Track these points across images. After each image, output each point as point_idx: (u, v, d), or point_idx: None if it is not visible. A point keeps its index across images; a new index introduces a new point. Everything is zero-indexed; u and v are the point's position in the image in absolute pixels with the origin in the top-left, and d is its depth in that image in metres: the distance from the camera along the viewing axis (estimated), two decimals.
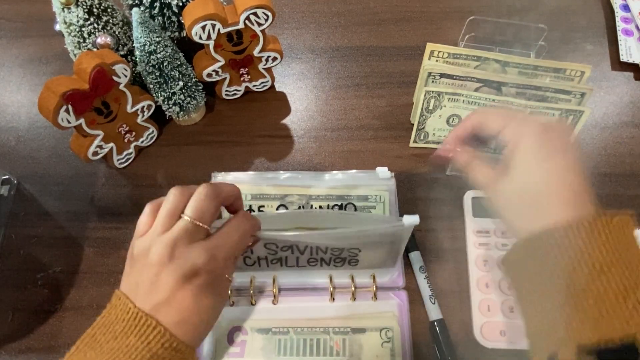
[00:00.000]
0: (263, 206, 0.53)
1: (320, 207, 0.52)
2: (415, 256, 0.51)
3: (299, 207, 0.52)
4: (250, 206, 0.53)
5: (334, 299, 0.49)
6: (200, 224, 0.35)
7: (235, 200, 0.38)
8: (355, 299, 0.49)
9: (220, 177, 0.55)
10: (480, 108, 0.38)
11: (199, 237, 0.35)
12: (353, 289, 0.49)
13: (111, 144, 0.54)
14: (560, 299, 0.28)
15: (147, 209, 0.36)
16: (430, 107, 0.53)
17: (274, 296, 0.48)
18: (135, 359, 0.30)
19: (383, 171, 0.54)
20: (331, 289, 0.48)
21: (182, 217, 0.34)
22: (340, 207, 0.52)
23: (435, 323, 0.47)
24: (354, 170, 0.55)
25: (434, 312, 0.48)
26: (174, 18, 0.56)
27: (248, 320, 0.48)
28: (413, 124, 0.56)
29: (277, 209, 0.52)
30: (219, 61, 0.55)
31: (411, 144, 0.58)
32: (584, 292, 0.27)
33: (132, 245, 0.35)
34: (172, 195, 0.35)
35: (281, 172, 0.55)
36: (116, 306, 0.33)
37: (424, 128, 0.55)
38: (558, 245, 0.29)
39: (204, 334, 0.35)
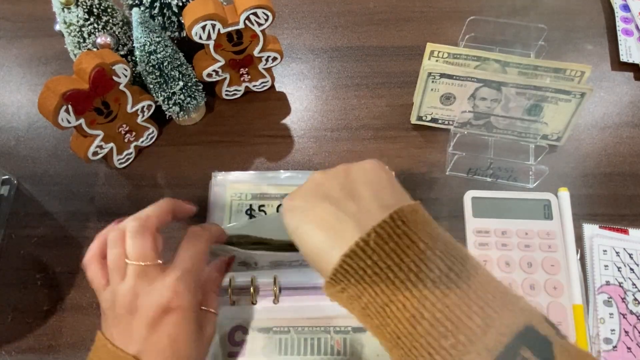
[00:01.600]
0: (263, 206, 0.53)
1: None
2: None
3: None
4: (251, 205, 0.53)
5: None
6: (148, 263, 0.35)
7: (175, 214, 0.39)
8: None
9: (220, 177, 0.55)
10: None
11: (155, 274, 0.35)
12: None
13: (111, 144, 0.54)
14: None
15: (92, 263, 0.37)
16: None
17: (275, 295, 0.48)
18: None
19: None
20: None
21: (128, 264, 0.35)
22: None
23: None
24: None
25: None
26: (174, 18, 0.56)
27: (249, 319, 0.48)
28: (413, 124, 0.56)
29: (277, 209, 0.52)
30: (219, 61, 0.55)
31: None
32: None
33: (100, 299, 0.36)
34: (111, 242, 0.36)
35: (282, 171, 0.55)
36: (98, 349, 0.34)
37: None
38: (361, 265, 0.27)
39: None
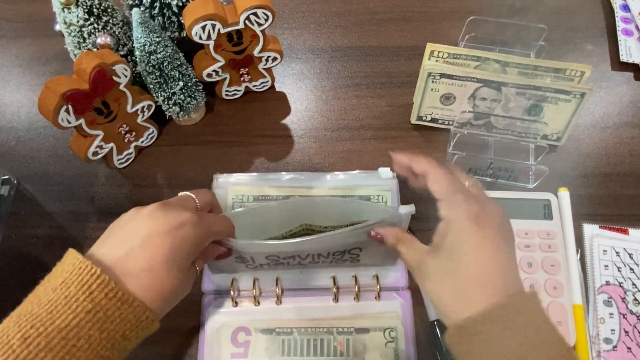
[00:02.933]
0: None
1: None
2: None
3: None
4: None
5: (337, 299, 0.49)
6: (193, 195, 0.38)
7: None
8: (359, 299, 0.49)
9: (222, 179, 0.55)
10: (430, 164, 0.35)
11: (190, 205, 0.38)
12: (357, 289, 0.48)
13: (111, 144, 0.54)
14: None
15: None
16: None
17: (277, 297, 0.48)
18: (75, 309, 0.29)
19: (385, 171, 0.54)
20: (335, 289, 0.48)
21: (179, 194, 0.38)
22: None
23: (435, 323, 0.47)
24: (356, 171, 0.55)
25: (433, 312, 0.48)
26: (174, 18, 0.56)
27: (252, 320, 0.48)
28: (413, 124, 0.56)
29: None
30: (219, 61, 0.55)
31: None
32: None
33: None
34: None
35: (283, 173, 0.55)
36: (63, 262, 0.32)
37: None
38: (480, 337, 0.29)
39: (168, 299, 0.34)
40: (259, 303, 0.48)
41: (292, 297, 0.49)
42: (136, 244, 0.32)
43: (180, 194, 0.40)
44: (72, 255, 0.31)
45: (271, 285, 0.49)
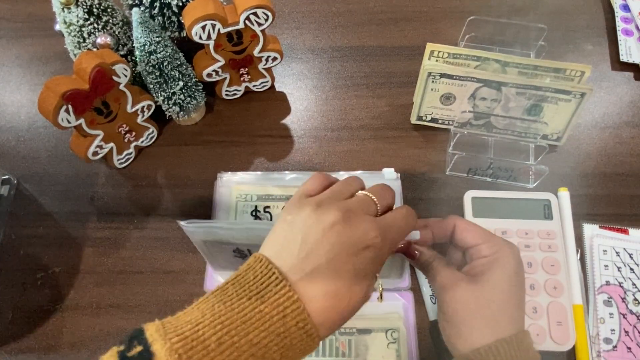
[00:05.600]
0: (269, 207, 0.53)
1: None
2: None
3: None
4: (256, 207, 0.53)
5: None
6: (375, 199, 0.33)
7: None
8: None
9: (226, 177, 0.55)
10: (458, 217, 0.39)
11: (372, 211, 0.33)
12: None
13: (111, 144, 0.54)
14: None
15: (317, 176, 0.35)
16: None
17: None
18: (268, 328, 0.27)
19: (389, 172, 0.54)
20: None
21: (358, 193, 0.34)
22: None
23: (435, 322, 0.47)
24: (360, 171, 0.55)
25: (434, 312, 0.48)
26: (174, 18, 0.56)
27: None
28: (413, 124, 0.56)
29: (282, 209, 0.52)
30: (219, 61, 0.55)
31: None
32: None
33: (290, 204, 0.33)
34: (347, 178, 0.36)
35: (286, 172, 0.55)
36: (254, 268, 0.30)
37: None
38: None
39: (338, 325, 0.31)
40: None
41: None
42: (321, 264, 0.29)
43: (360, 194, 0.34)
44: (265, 266, 0.30)
45: None
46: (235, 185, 0.54)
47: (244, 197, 0.53)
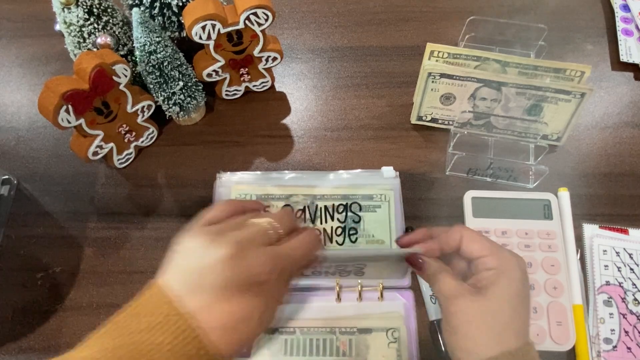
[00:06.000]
0: (268, 206, 0.53)
1: (326, 206, 0.53)
2: None
3: (304, 207, 0.53)
4: None
5: (340, 299, 0.49)
6: (277, 224, 0.34)
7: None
8: (361, 299, 0.49)
9: (225, 177, 0.55)
10: (465, 228, 0.38)
11: (271, 241, 0.33)
12: (359, 288, 0.49)
13: (111, 144, 0.54)
14: None
15: (220, 204, 0.36)
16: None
17: None
18: (170, 358, 0.28)
19: (388, 170, 0.54)
20: (337, 289, 0.49)
21: (258, 221, 0.34)
22: (345, 206, 0.52)
23: (435, 322, 0.47)
24: (359, 170, 0.55)
25: (434, 312, 0.48)
26: (174, 18, 0.56)
27: None
28: (413, 124, 0.56)
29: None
30: (219, 61, 0.55)
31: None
32: None
33: (190, 232, 0.33)
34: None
35: (286, 172, 0.55)
36: (150, 298, 0.30)
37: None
38: None
39: (243, 347, 0.32)
40: None
41: (295, 297, 0.49)
42: (214, 297, 0.30)
43: (258, 221, 0.34)
44: (160, 295, 0.30)
45: None
46: (235, 185, 0.54)
47: (244, 197, 0.53)
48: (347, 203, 0.53)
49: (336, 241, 0.51)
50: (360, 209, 0.52)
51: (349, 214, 0.52)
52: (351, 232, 0.51)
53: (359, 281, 0.49)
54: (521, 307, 0.34)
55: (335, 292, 0.48)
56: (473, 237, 0.37)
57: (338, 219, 0.52)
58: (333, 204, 0.53)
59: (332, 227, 0.52)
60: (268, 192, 0.54)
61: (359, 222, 0.52)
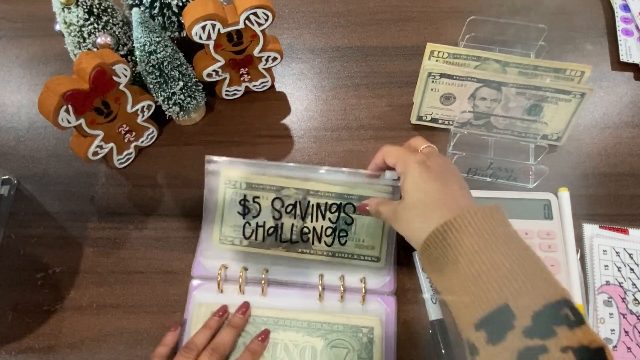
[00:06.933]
0: (258, 197, 0.51)
1: (318, 204, 0.51)
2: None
3: (295, 202, 0.51)
4: (245, 196, 0.50)
5: (322, 298, 0.49)
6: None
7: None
8: (343, 300, 0.49)
9: (213, 165, 0.51)
10: (386, 146, 0.45)
11: None
12: (342, 290, 0.49)
13: (111, 144, 0.54)
14: (459, 280, 0.35)
15: (168, 335, 0.46)
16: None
17: (262, 288, 0.49)
18: None
19: (391, 174, 0.51)
20: (320, 289, 0.49)
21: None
22: (339, 206, 0.51)
23: (435, 322, 0.47)
24: (360, 171, 0.52)
25: (434, 312, 0.48)
26: (174, 18, 0.56)
27: (234, 307, 0.49)
28: (413, 124, 0.56)
29: (272, 202, 0.51)
30: (219, 61, 0.55)
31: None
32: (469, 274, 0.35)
33: None
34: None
35: (278, 163, 0.52)
36: None
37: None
38: (442, 243, 0.36)
39: None
40: (244, 292, 0.50)
41: (278, 290, 0.50)
42: None
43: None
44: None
45: (258, 278, 0.50)
46: (224, 171, 0.51)
47: (233, 184, 0.51)
48: (340, 203, 0.50)
49: (324, 242, 0.50)
50: (354, 211, 0.50)
51: (342, 214, 0.50)
52: (341, 234, 0.50)
53: (342, 274, 0.50)
54: (434, 191, 0.39)
55: (318, 291, 0.49)
56: (389, 151, 0.44)
57: (330, 219, 0.50)
58: (326, 202, 0.50)
59: (322, 227, 0.50)
60: (259, 181, 0.51)
61: (351, 224, 0.50)
